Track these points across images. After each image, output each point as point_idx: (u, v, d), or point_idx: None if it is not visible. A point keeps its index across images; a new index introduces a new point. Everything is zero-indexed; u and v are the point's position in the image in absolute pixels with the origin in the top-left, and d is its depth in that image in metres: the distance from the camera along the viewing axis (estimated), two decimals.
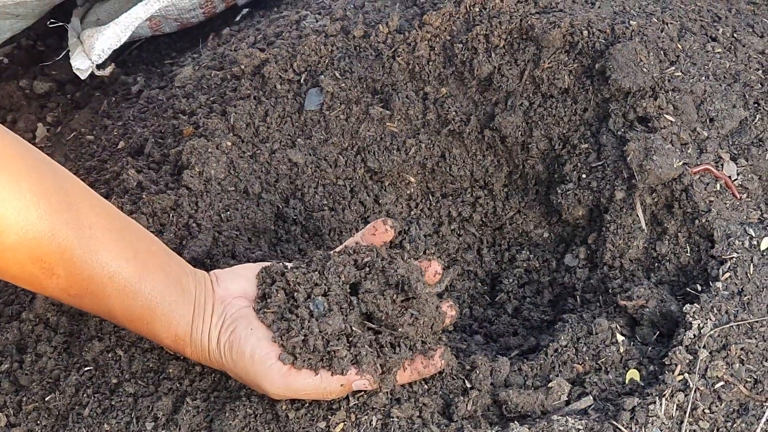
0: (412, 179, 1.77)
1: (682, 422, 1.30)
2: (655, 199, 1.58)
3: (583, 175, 1.66)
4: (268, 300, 1.32)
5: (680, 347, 1.36)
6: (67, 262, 1.20)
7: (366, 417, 1.32)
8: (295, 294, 1.32)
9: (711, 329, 1.38)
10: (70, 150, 1.93)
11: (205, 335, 1.29)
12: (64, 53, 2.04)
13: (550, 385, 1.37)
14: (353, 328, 1.30)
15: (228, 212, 1.62)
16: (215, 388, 1.39)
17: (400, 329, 1.33)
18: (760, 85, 1.67)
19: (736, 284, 1.43)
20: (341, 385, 1.27)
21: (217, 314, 1.29)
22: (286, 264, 1.37)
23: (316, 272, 1.35)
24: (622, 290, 1.54)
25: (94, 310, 1.29)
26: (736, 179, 1.58)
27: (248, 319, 1.29)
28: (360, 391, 1.32)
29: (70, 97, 2.19)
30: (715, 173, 1.57)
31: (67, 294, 1.24)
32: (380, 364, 1.30)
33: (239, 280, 1.34)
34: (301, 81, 1.77)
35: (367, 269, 1.36)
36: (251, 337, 1.28)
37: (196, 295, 1.29)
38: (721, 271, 1.45)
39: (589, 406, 1.34)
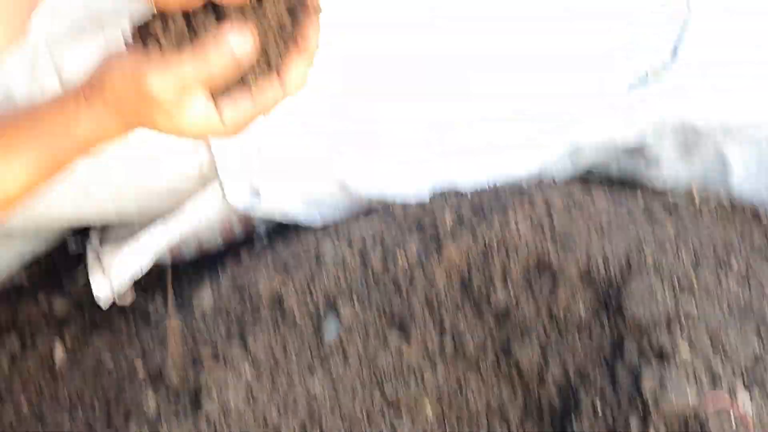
0: (429, 408, 1.79)
1: None
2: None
3: (599, 407, 1.67)
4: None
5: None
6: None
7: None
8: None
9: None
10: (88, 374, 1.96)
11: (80, 103, 1.27)
12: (83, 273, 2.10)
13: None
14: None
15: None
16: None
17: None
18: None
19: None
20: (214, 38, 1.16)
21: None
22: None
23: None
24: None
25: None
26: (752, 414, 1.60)
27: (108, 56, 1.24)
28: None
29: (89, 317, 2.20)
30: (730, 407, 1.59)
31: None
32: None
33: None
34: (320, 309, 1.81)
35: None
36: (113, 56, 1.23)
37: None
38: None
39: None
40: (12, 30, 1.31)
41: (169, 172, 1.94)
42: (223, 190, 1.97)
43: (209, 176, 1.99)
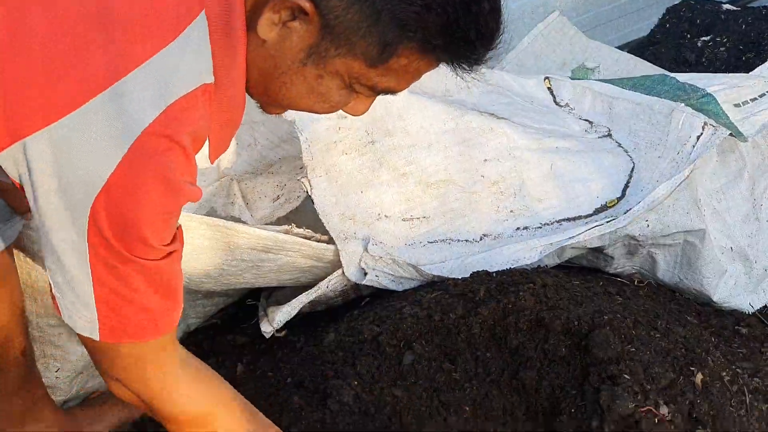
0: (468, 409, 2.45)
1: None
2: (619, 428, 2.24)
3: (572, 410, 2.34)
4: None
5: None
6: None
7: None
8: None
9: None
10: (257, 383, 2.48)
11: None
12: (255, 320, 2.71)
13: None
14: None
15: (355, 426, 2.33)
16: None
17: None
18: (684, 352, 2.40)
19: None
20: None
21: None
22: None
23: None
24: None
25: None
26: (668, 417, 2.26)
27: None
28: None
29: (258, 347, 2.68)
30: (654, 412, 2.25)
31: None
32: None
33: None
34: (401, 346, 2.40)
35: None
36: None
37: None
38: None
39: None
40: (219, 153, 1.67)
41: (311, 260, 2.70)
42: (344, 269, 2.70)
43: (335, 261, 2.74)
